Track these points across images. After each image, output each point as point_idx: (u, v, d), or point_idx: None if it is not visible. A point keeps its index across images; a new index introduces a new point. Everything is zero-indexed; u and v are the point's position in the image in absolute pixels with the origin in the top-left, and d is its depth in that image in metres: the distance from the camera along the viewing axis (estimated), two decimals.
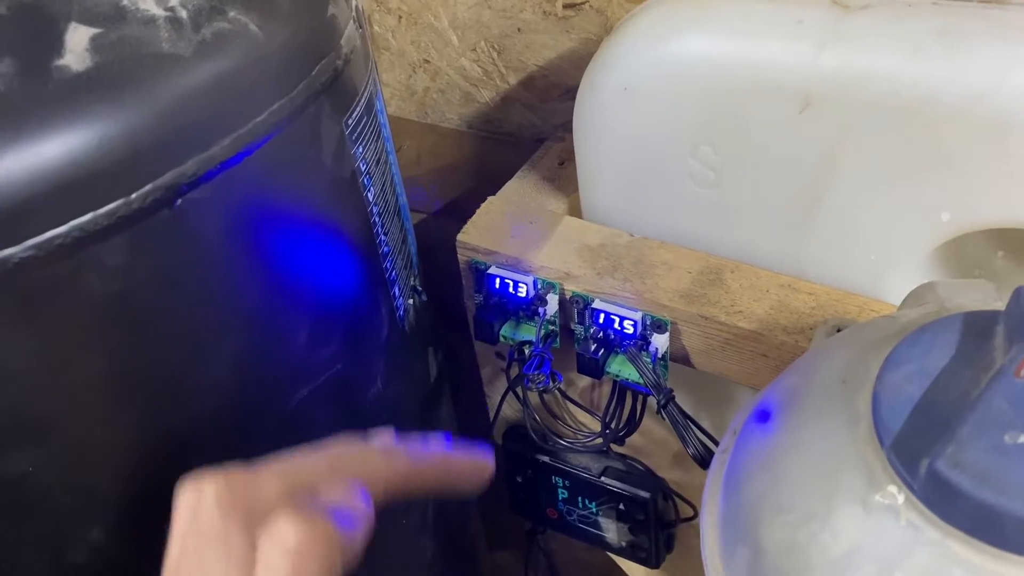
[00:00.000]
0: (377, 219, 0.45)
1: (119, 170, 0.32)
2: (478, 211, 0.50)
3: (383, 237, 0.46)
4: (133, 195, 0.32)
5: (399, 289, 0.48)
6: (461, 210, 0.67)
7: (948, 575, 0.25)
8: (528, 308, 0.48)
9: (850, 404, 0.29)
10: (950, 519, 0.26)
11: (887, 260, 0.42)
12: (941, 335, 0.29)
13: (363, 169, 0.43)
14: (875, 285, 0.43)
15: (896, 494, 0.27)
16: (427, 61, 0.61)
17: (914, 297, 0.35)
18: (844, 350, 0.33)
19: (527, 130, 0.60)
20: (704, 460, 0.42)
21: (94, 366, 0.34)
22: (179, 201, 0.33)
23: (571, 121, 0.47)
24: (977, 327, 0.29)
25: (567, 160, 0.54)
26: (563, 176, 0.53)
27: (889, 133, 0.38)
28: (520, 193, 0.52)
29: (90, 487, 0.36)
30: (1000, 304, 0.31)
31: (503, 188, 0.52)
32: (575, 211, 0.51)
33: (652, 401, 0.48)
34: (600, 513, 0.54)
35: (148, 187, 0.32)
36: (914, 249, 0.41)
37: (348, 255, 0.43)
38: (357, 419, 0.46)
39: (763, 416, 0.34)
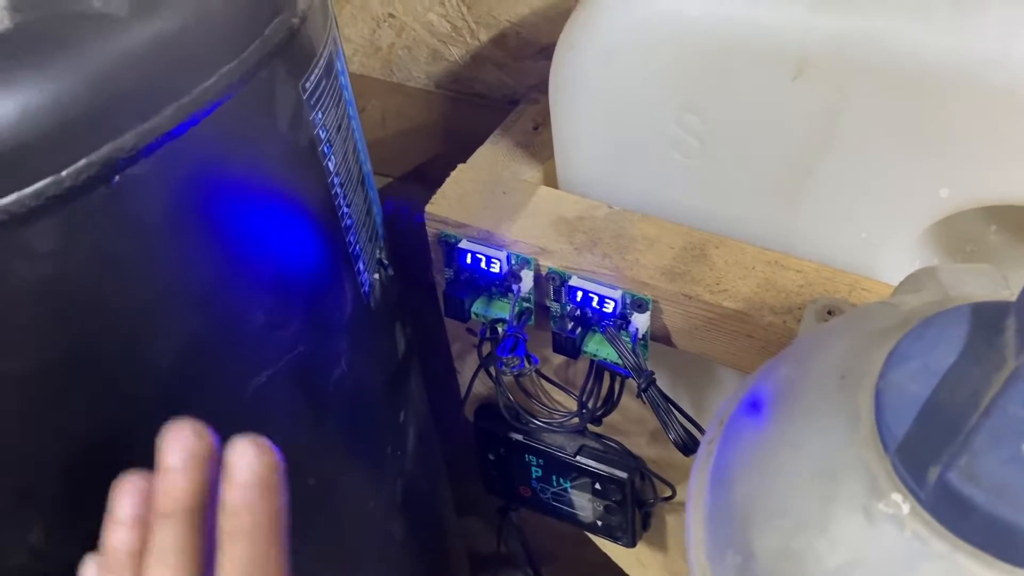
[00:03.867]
0: (339, 190, 0.42)
1: (47, 145, 0.28)
2: (447, 180, 0.47)
3: (346, 209, 0.43)
4: (64, 172, 0.29)
5: (364, 264, 0.46)
6: (429, 174, 0.64)
7: None
8: (501, 284, 0.45)
9: (850, 402, 0.27)
10: (960, 532, 0.24)
11: (880, 237, 0.40)
12: (947, 329, 0.27)
13: (323, 137, 0.40)
14: (866, 263, 0.41)
15: (901, 503, 0.25)
16: (392, 15, 0.57)
17: (912, 281, 0.33)
18: (842, 341, 0.30)
19: (499, 91, 0.57)
20: (686, 446, 0.40)
21: (24, 359, 0.31)
22: (117, 177, 0.30)
23: (546, 82, 0.44)
24: (985, 320, 0.27)
25: (542, 124, 0.51)
26: (538, 142, 0.50)
27: (888, 102, 0.36)
28: (492, 160, 0.49)
29: (25, 488, 0.33)
30: (1008, 292, 0.29)
31: (474, 155, 0.49)
32: (550, 179, 0.48)
33: (631, 381, 0.46)
34: (575, 492, 0.53)
35: (81, 163, 0.29)
36: (909, 226, 0.39)
37: (307, 230, 0.40)
38: (320, 404, 0.44)
39: (754, 407, 0.32)
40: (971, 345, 0.27)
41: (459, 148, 0.52)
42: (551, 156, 0.49)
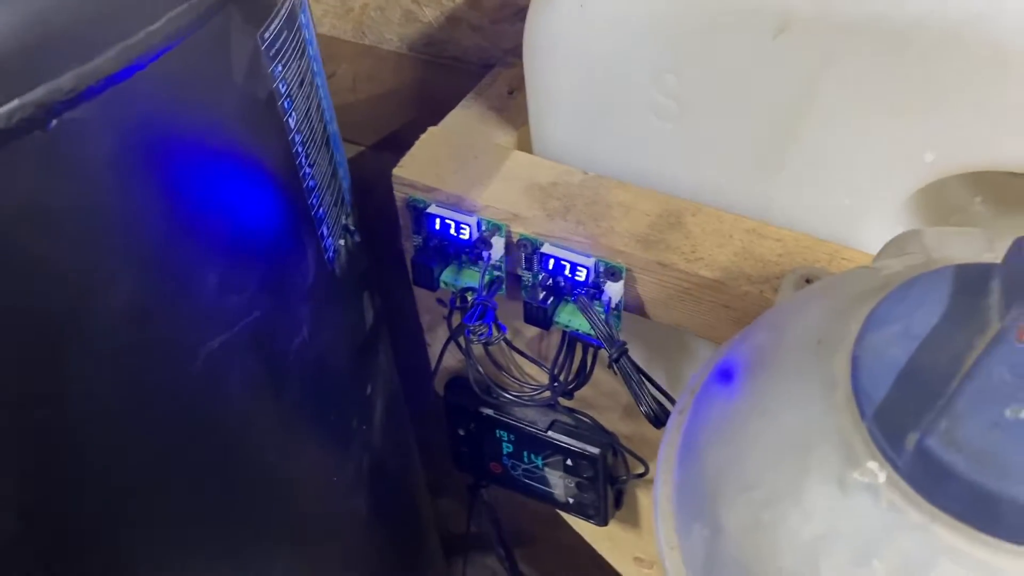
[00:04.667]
0: (300, 148, 0.40)
1: None
2: (417, 143, 0.45)
3: (308, 169, 0.41)
4: None
5: (328, 228, 0.44)
6: (401, 142, 0.62)
7: (933, 564, 0.22)
8: (471, 252, 0.44)
9: (826, 367, 0.26)
10: (938, 502, 0.22)
11: (862, 205, 0.39)
12: (929, 291, 0.26)
13: (283, 91, 0.38)
14: (847, 232, 0.40)
15: (877, 472, 0.23)
16: None
17: (895, 246, 0.31)
18: (820, 305, 0.29)
19: (474, 54, 0.55)
20: (658, 418, 0.38)
21: None
22: (54, 122, 0.28)
23: (522, 45, 0.42)
24: (969, 282, 0.26)
25: (517, 89, 0.49)
26: (512, 106, 0.48)
27: (872, 61, 0.34)
28: (464, 124, 0.47)
29: None
30: (993, 256, 0.28)
31: (446, 118, 0.48)
32: (524, 144, 0.47)
33: (604, 353, 0.44)
34: (546, 468, 0.51)
35: (14, 103, 0.27)
36: (892, 193, 0.38)
37: (265, 188, 0.38)
38: (279, 373, 0.42)
39: (725, 376, 0.30)
40: (954, 308, 0.25)
41: (432, 114, 0.50)
42: (526, 121, 0.47)
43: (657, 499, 0.31)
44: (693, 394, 0.33)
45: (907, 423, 0.23)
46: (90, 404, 0.33)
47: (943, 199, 0.41)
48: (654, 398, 0.39)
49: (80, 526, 0.36)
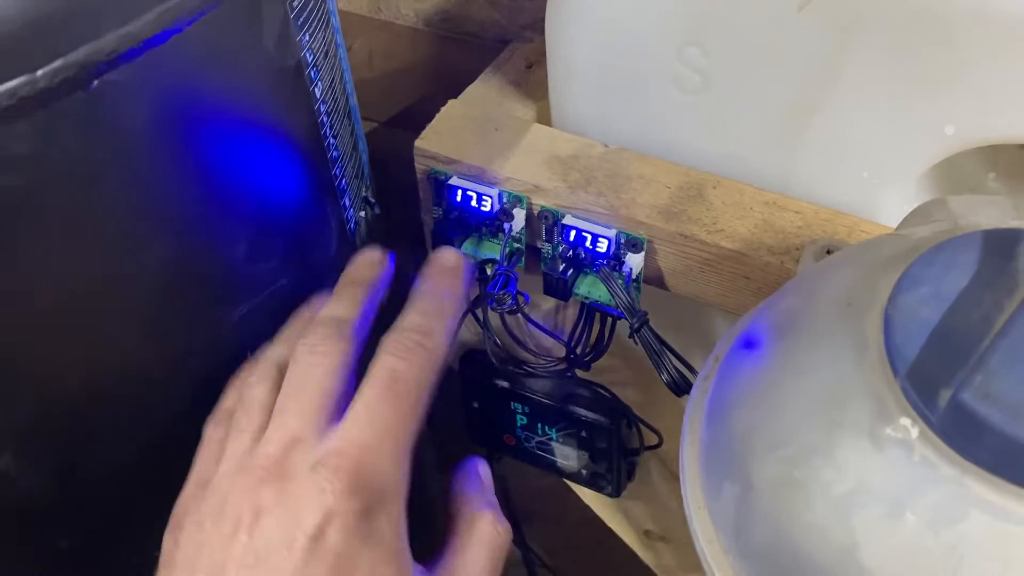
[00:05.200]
0: (325, 119, 0.40)
1: (19, 43, 0.27)
2: (438, 115, 0.46)
3: (332, 140, 0.41)
4: (39, 72, 0.27)
5: (349, 200, 0.44)
6: (417, 119, 0.62)
7: (965, 515, 0.23)
8: (492, 224, 0.44)
9: (857, 328, 0.26)
10: (970, 455, 0.23)
11: (881, 178, 0.39)
12: (959, 255, 0.27)
13: (309, 60, 0.38)
14: (865, 205, 0.40)
15: (910, 427, 0.24)
16: None
17: (920, 214, 0.32)
18: (848, 270, 0.30)
19: (491, 30, 0.55)
20: (679, 387, 0.39)
21: None
22: (95, 83, 0.28)
23: (540, 21, 0.43)
24: (998, 246, 0.27)
25: (535, 63, 0.49)
26: (531, 80, 0.49)
27: (898, 33, 0.35)
28: (484, 98, 0.48)
29: None
30: (1019, 221, 0.29)
31: (465, 92, 0.48)
32: (544, 119, 0.47)
33: (621, 325, 0.45)
34: (560, 440, 0.52)
35: (57, 63, 0.27)
36: (911, 166, 0.38)
37: (293, 157, 0.38)
38: None
39: (752, 341, 0.31)
40: (983, 270, 0.26)
41: (448, 90, 0.51)
42: (544, 96, 0.47)
43: (684, 461, 0.32)
44: (718, 360, 0.34)
45: (940, 380, 0.24)
46: (123, 367, 0.34)
47: (958, 175, 0.42)
48: (675, 367, 0.39)
49: (108, 489, 0.37)
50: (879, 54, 0.35)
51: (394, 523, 0.30)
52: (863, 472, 0.25)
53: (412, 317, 0.34)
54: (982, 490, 0.23)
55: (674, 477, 0.54)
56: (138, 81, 0.30)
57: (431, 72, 0.59)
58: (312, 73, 0.39)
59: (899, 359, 0.25)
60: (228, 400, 0.34)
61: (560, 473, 0.54)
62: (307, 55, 0.38)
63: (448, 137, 0.44)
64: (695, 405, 0.33)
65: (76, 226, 0.30)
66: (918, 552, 0.24)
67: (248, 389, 0.33)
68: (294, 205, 0.39)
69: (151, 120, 0.31)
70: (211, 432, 0.33)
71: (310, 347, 0.32)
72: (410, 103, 0.61)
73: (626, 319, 0.40)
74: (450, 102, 0.46)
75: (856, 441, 0.25)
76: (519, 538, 0.74)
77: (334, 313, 0.33)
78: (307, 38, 0.38)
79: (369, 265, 0.36)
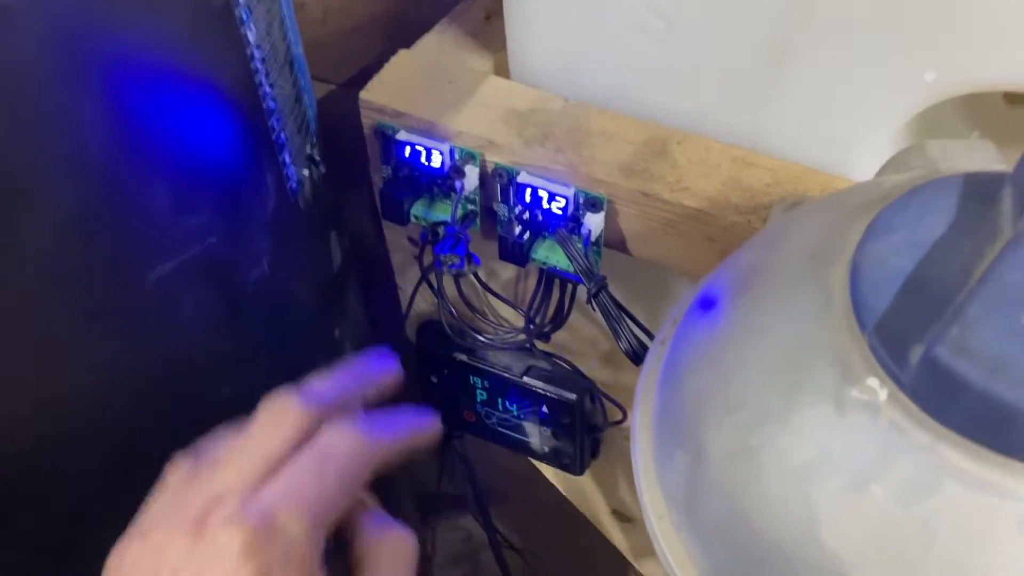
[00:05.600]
0: (259, 65, 0.37)
1: None
2: (386, 66, 0.43)
3: (268, 89, 0.38)
4: None
5: (290, 156, 0.41)
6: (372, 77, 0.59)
7: (938, 487, 0.21)
8: (444, 183, 0.41)
9: (821, 281, 0.24)
10: (945, 419, 0.20)
11: (856, 132, 0.36)
12: (935, 199, 0.24)
13: (240, 1, 0.35)
14: (840, 162, 0.37)
15: (878, 389, 0.21)
16: None
17: (897, 162, 0.29)
18: (814, 220, 0.27)
19: None
20: (638, 355, 0.36)
21: None
22: None
23: None
24: (978, 191, 0.24)
25: (494, 15, 0.46)
26: (489, 32, 0.46)
27: None
28: (438, 49, 0.45)
29: None
30: (1005, 166, 0.26)
31: (418, 42, 0.45)
32: (502, 71, 0.44)
33: (581, 293, 0.42)
34: (522, 416, 0.49)
35: None
36: (888, 118, 0.36)
37: (219, 104, 0.35)
38: (237, 306, 0.39)
39: (709, 302, 0.28)
40: (962, 216, 0.23)
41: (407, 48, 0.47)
42: (503, 47, 0.44)
43: (635, 431, 0.29)
44: (675, 324, 0.31)
45: (912, 335, 0.21)
46: (29, 327, 0.31)
47: (938, 133, 0.39)
48: (634, 335, 0.37)
49: (14, 461, 0.34)
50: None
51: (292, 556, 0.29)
52: (824, 439, 0.22)
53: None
54: (958, 458, 0.20)
55: None
56: (32, 7, 0.27)
57: (390, 30, 0.56)
58: (243, 14, 0.35)
59: (866, 313, 0.22)
60: (199, 446, 0.33)
61: (522, 450, 0.51)
62: None
63: (397, 89, 0.41)
64: (649, 371, 0.30)
65: None
66: (886, 528, 0.21)
67: (212, 441, 0.32)
68: (222, 156, 0.36)
69: (53, 47, 0.28)
70: (167, 477, 0.32)
71: (270, 409, 0.31)
72: (368, 63, 0.58)
73: (584, 284, 0.38)
74: (400, 52, 0.43)
75: (817, 404, 0.22)
76: (486, 520, 0.72)
77: (309, 384, 0.33)
78: None
79: (373, 368, 0.36)
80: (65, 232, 0.31)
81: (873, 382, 0.21)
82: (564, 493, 0.56)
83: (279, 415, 0.31)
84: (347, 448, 0.31)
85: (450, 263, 0.38)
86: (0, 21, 0.26)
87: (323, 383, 0.33)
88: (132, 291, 0.34)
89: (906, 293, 0.22)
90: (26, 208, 0.29)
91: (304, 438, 0.31)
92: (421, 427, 0.35)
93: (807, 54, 0.35)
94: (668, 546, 0.27)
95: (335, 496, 0.30)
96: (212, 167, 0.36)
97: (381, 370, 0.35)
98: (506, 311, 0.48)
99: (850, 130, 0.36)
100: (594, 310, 0.38)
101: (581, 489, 0.56)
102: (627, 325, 0.37)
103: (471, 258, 0.39)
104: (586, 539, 0.61)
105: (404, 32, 0.56)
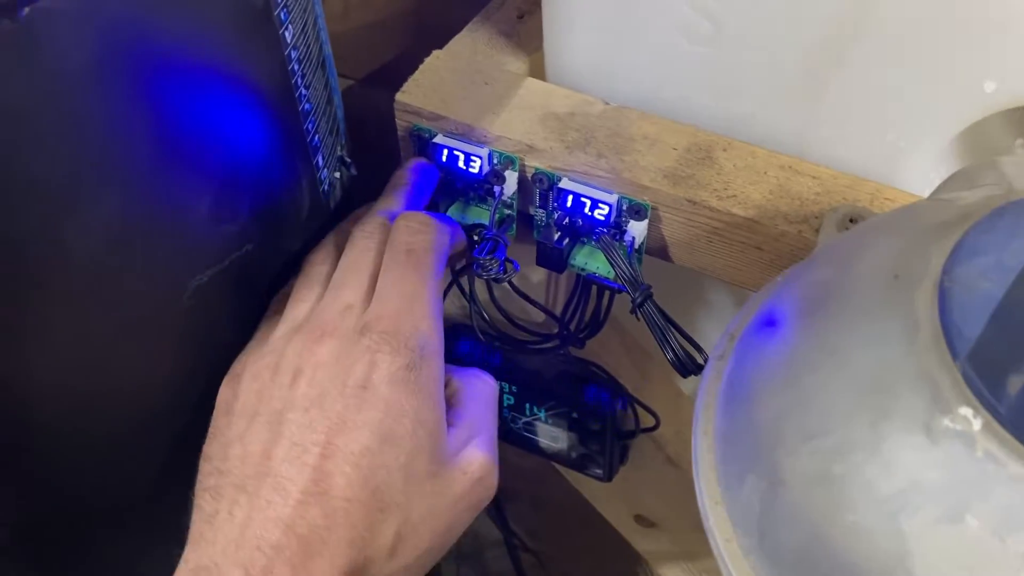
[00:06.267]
0: (296, 67, 0.36)
1: None
2: (421, 67, 0.42)
3: (304, 91, 0.37)
4: None
5: (323, 158, 0.40)
6: (396, 76, 0.57)
7: None
8: (480, 187, 0.40)
9: (906, 304, 0.23)
10: None
11: (908, 140, 0.36)
12: (1022, 220, 0.23)
13: (279, 0, 0.34)
14: (887, 170, 0.37)
15: (971, 418, 0.21)
16: None
17: (963, 178, 0.29)
18: (888, 239, 0.26)
19: None
20: (685, 367, 0.36)
21: None
22: (26, 10, 0.24)
23: None
24: None
25: (527, 13, 0.45)
26: (523, 31, 0.45)
27: None
28: (472, 49, 0.44)
29: None
30: None
31: (451, 42, 0.44)
32: (537, 73, 0.43)
33: (619, 299, 0.42)
34: (550, 421, 0.48)
35: None
36: (943, 127, 0.35)
37: (258, 108, 0.34)
38: None
39: (772, 322, 0.28)
40: None
41: (431, 45, 0.47)
42: (538, 48, 0.44)
43: (697, 451, 0.29)
44: (734, 339, 0.30)
45: (1007, 363, 0.21)
46: (69, 338, 0.30)
47: (982, 139, 0.38)
48: (680, 346, 0.36)
49: (55, 467, 0.33)
50: (911, 3, 0.32)
51: (433, 374, 0.33)
52: (915, 469, 0.22)
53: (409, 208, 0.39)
54: None
55: (669, 460, 0.51)
56: (81, 9, 0.26)
57: (412, 25, 0.55)
58: (282, 14, 0.34)
59: (958, 339, 0.21)
60: (293, 281, 0.38)
61: (549, 456, 0.50)
62: None
63: (432, 91, 0.40)
64: (708, 389, 0.30)
65: (8, 177, 0.26)
66: (981, 561, 0.21)
67: (311, 267, 0.37)
68: (262, 161, 0.35)
69: (94, 56, 0.27)
70: (274, 305, 0.37)
71: (366, 233, 0.37)
72: (389, 59, 0.57)
73: (627, 293, 0.37)
74: (434, 53, 0.42)
75: (907, 434, 0.22)
76: (500, 521, 0.71)
77: (387, 207, 0.38)
78: None
79: (409, 172, 0.40)
80: (106, 242, 0.30)
81: (967, 411, 0.21)
82: (587, 497, 0.56)
83: (373, 239, 0.36)
84: (418, 239, 0.35)
85: (489, 268, 0.37)
86: (45, 23, 0.25)
87: (396, 204, 0.38)
88: (171, 302, 0.33)
89: (999, 319, 0.22)
90: (67, 215, 0.28)
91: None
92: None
93: (863, 59, 0.34)
94: (736, 569, 0.26)
95: (431, 282, 0.35)
96: (251, 173, 0.35)
97: (431, 178, 0.40)
98: (537, 314, 0.47)
99: (902, 139, 0.36)
100: (638, 319, 0.37)
101: (605, 492, 0.56)
102: (674, 335, 0.36)
103: (511, 263, 0.38)
104: (604, 541, 0.61)
105: (426, 28, 0.55)
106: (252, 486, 0.31)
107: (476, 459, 0.34)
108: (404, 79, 0.42)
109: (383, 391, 0.32)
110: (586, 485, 0.56)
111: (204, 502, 0.32)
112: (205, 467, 0.33)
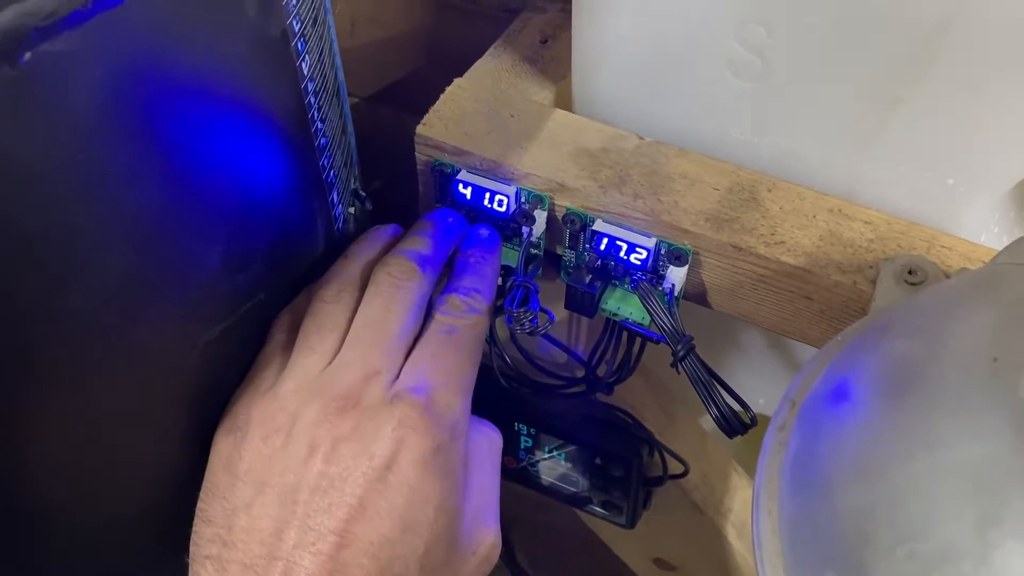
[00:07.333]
0: (312, 99, 0.33)
1: None
2: (442, 96, 0.39)
3: (320, 125, 0.35)
4: None
5: (338, 194, 0.38)
6: (404, 95, 0.55)
7: None
8: (506, 227, 0.38)
9: (1012, 392, 0.21)
10: None
11: (968, 186, 0.34)
12: None
13: (296, 29, 0.31)
14: (944, 215, 0.35)
15: None
16: None
17: None
18: (982, 311, 0.24)
19: None
20: (731, 426, 0.33)
21: None
22: (27, 55, 0.22)
23: None
24: None
25: (551, 38, 0.43)
26: (547, 57, 0.42)
27: (1006, 16, 0.29)
28: (494, 77, 0.41)
29: None
30: None
31: (471, 69, 0.41)
32: (563, 103, 0.41)
33: (652, 346, 0.39)
34: (570, 465, 0.46)
35: None
36: (1004, 175, 0.33)
37: (275, 146, 0.32)
38: None
39: (843, 395, 0.26)
40: None
41: (440, 64, 0.44)
42: (564, 75, 0.41)
43: (760, 533, 0.26)
44: (795, 407, 0.28)
45: None
46: (68, 413, 0.27)
47: None
48: (725, 402, 0.34)
49: (67, 531, 0.30)
50: (984, 36, 0.30)
51: (460, 455, 0.32)
52: None
53: (465, 280, 0.35)
54: None
55: (695, 507, 0.48)
56: (86, 53, 0.23)
57: (421, 43, 0.52)
58: (299, 45, 0.32)
59: None
60: (299, 303, 0.35)
61: (567, 501, 0.48)
62: (294, 23, 0.31)
63: (455, 124, 0.38)
64: (770, 464, 0.27)
65: (7, 235, 0.23)
66: None
67: (322, 304, 0.33)
68: (278, 202, 0.33)
69: (102, 100, 0.24)
70: (276, 335, 0.34)
71: (394, 278, 0.33)
72: (396, 77, 0.54)
73: (667, 344, 0.35)
74: (456, 81, 0.40)
75: (1020, 542, 0.20)
76: (506, 548, 0.69)
77: (415, 248, 0.35)
78: (294, 2, 0.31)
79: (437, 214, 0.38)
80: (111, 301, 0.27)
81: None
82: (605, 541, 0.53)
83: (404, 288, 0.33)
84: (463, 322, 0.33)
85: (522, 321, 0.34)
86: (49, 68, 0.22)
87: (425, 247, 0.35)
88: (176, 362, 0.30)
89: None
90: (70, 274, 0.25)
91: (423, 305, 0.33)
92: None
93: (921, 102, 0.32)
94: None
95: (469, 365, 0.33)
96: (266, 216, 0.32)
97: (458, 226, 0.37)
98: (560, 355, 0.45)
99: (962, 185, 0.34)
100: (679, 373, 0.35)
101: (621, 533, 0.53)
102: (719, 392, 0.34)
103: (546, 313, 0.35)
104: (600, 566, 0.58)
105: (436, 46, 0.52)
106: (261, 568, 0.28)
107: (485, 540, 0.33)
108: (412, 98, 0.40)
109: (408, 475, 0.29)
110: (604, 525, 0.53)
111: (206, 572, 0.29)
112: (205, 530, 0.30)
